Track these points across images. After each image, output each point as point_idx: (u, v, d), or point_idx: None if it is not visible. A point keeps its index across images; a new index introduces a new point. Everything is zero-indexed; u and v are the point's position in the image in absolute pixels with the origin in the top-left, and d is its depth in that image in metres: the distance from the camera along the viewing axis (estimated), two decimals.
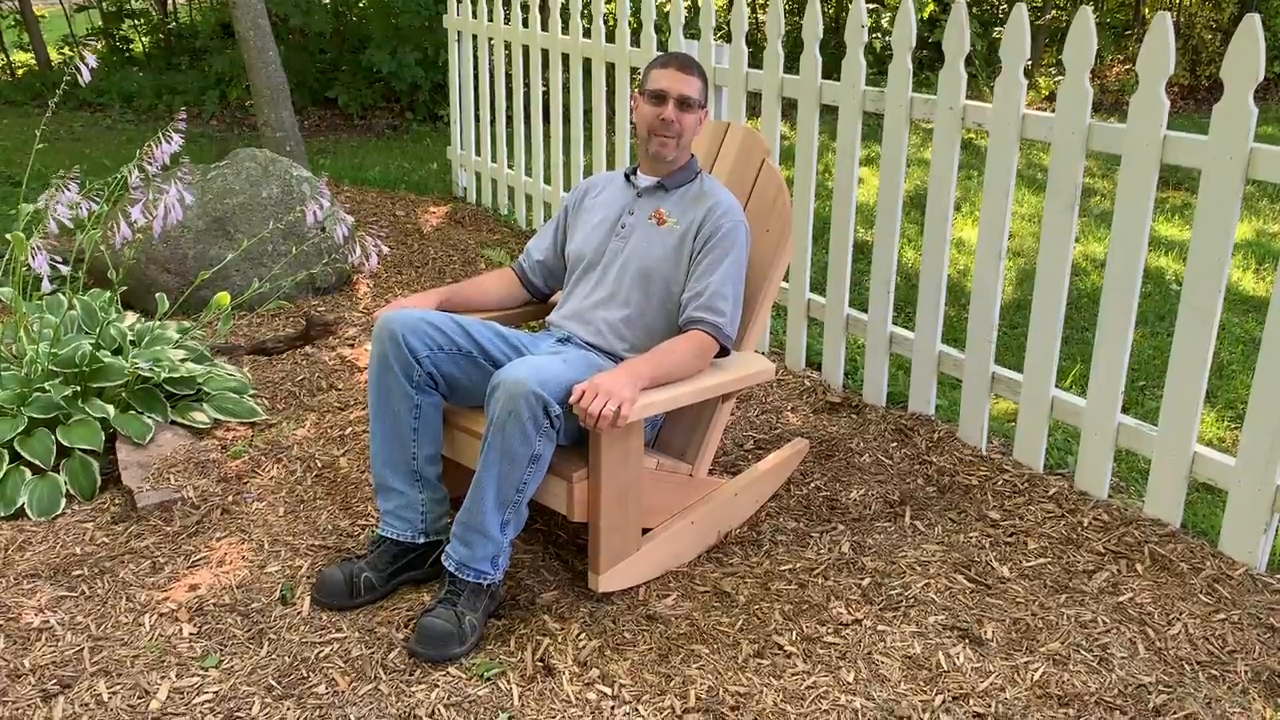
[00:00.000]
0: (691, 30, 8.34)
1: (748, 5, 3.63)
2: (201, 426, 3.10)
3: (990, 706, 2.05)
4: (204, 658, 2.25)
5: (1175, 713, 2.02)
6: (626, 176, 2.69)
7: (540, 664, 2.22)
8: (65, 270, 2.95)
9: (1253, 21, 2.26)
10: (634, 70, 4.34)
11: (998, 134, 2.76)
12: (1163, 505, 2.56)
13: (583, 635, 2.30)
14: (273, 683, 2.18)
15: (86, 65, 3.15)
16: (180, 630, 2.34)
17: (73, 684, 2.17)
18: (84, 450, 2.89)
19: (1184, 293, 2.43)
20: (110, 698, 2.13)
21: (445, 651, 2.19)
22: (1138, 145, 2.47)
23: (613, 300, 2.59)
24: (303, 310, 4.16)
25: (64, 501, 2.80)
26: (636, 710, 2.08)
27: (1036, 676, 2.13)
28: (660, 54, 2.62)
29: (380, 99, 8.87)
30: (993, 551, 2.55)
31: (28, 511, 2.76)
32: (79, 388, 2.97)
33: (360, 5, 9.27)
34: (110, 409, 2.96)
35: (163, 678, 2.19)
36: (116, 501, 2.85)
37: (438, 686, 2.16)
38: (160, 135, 3.31)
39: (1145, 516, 2.61)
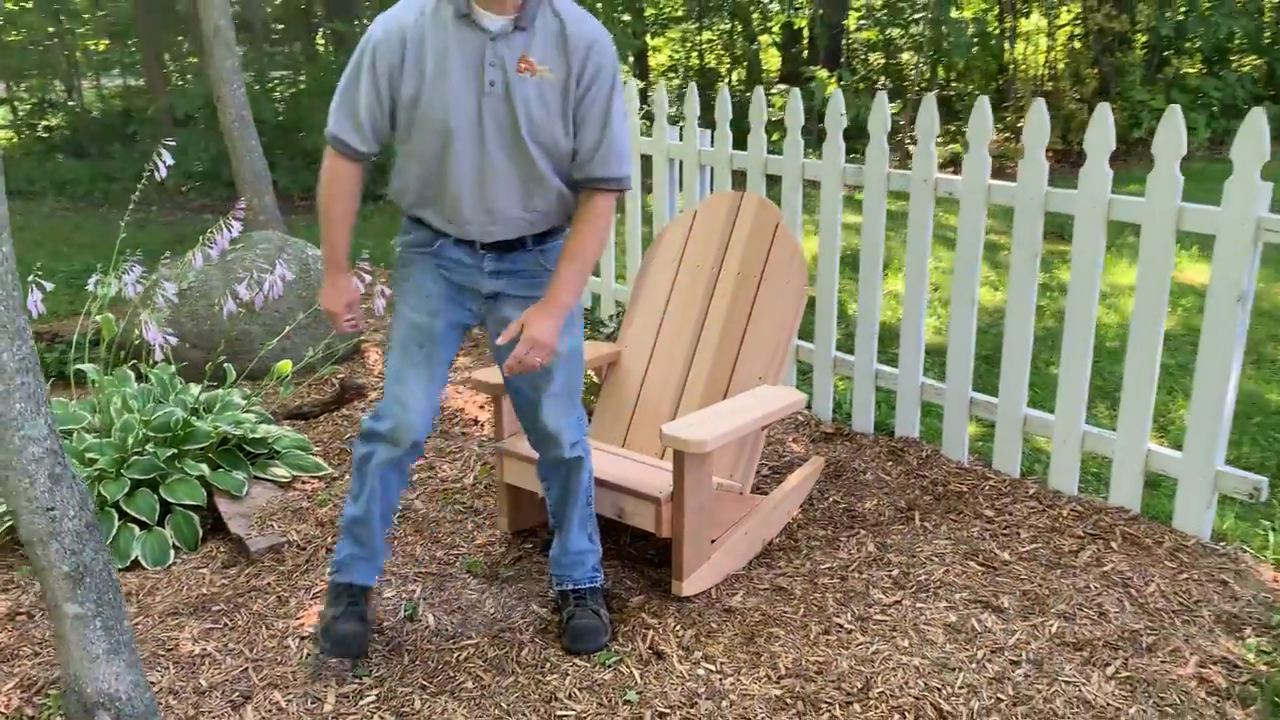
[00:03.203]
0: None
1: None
2: (283, 480, 3.44)
3: (1022, 655, 2.56)
4: (355, 669, 2.60)
5: (1164, 649, 2.57)
6: (459, 16, 2.27)
7: (651, 651, 2.64)
8: (174, 342, 3.28)
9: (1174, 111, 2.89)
10: None
11: (968, 201, 3.35)
12: (1125, 495, 3.15)
13: (677, 627, 2.73)
14: (425, 683, 2.55)
15: (164, 162, 3.51)
16: (323, 651, 2.68)
17: (251, 696, 2.50)
18: (185, 506, 3.20)
19: (1133, 324, 3.04)
20: (288, 704, 2.47)
21: (600, 641, 2.64)
22: (1089, 206, 3.09)
23: (512, 177, 2.37)
24: (327, 378, 4.51)
25: (172, 553, 3.11)
26: (740, 680, 2.52)
27: (1053, 631, 2.65)
28: None
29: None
30: (993, 541, 3.09)
31: (142, 562, 3.06)
32: (174, 450, 3.28)
33: (302, 90, 9.64)
34: (204, 468, 3.28)
35: (326, 687, 2.54)
36: (222, 550, 3.16)
37: (568, 675, 2.56)
38: (221, 223, 3.67)
39: (1111, 505, 3.19)
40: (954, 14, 8.50)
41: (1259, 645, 2.59)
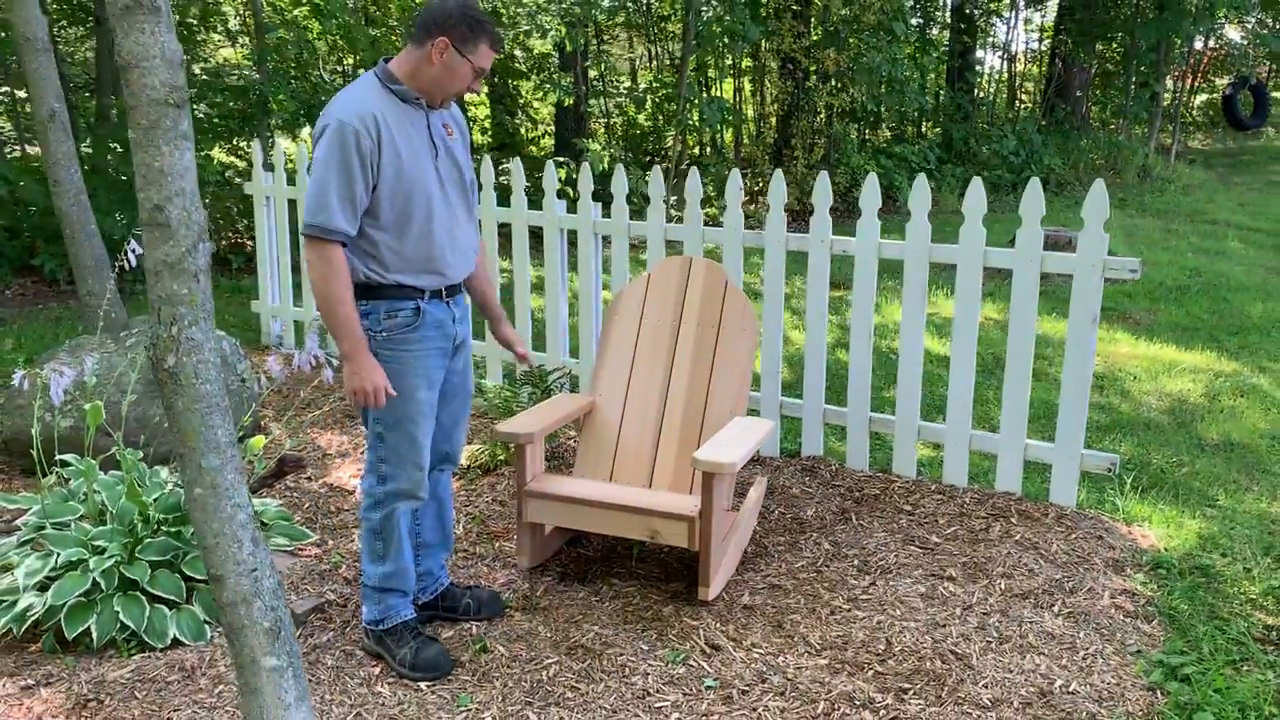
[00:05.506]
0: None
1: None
2: (287, 549, 3.58)
3: (988, 608, 3.27)
4: (455, 700, 2.88)
5: (1083, 590, 3.36)
6: (405, 100, 2.85)
7: (708, 645, 3.11)
8: None
9: (1036, 184, 3.77)
10: None
11: (862, 257, 4.11)
12: (1010, 482, 3.98)
13: (716, 624, 3.22)
14: (528, 700, 2.88)
15: (134, 252, 3.58)
16: (418, 688, 2.93)
17: None
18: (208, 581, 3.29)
19: (1009, 349, 3.89)
20: None
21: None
22: (969, 258, 3.92)
23: (463, 219, 3.02)
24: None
25: (207, 628, 3.20)
26: (790, 658, 3.05)
27: (1002, 588, 3.39)
28: (492, 28, 2.87)
29: None
30: (920, 529, 3.81)
31: (182, 639, 3.14)
32: (185, 529, 3.36)
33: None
34: None
35: (441, 718, 2.81)
36: None
37: (649, 675, 2.98)
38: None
39: (999, 491, 4.02)
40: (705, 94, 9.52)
41: (1141, 579, 3.46)
